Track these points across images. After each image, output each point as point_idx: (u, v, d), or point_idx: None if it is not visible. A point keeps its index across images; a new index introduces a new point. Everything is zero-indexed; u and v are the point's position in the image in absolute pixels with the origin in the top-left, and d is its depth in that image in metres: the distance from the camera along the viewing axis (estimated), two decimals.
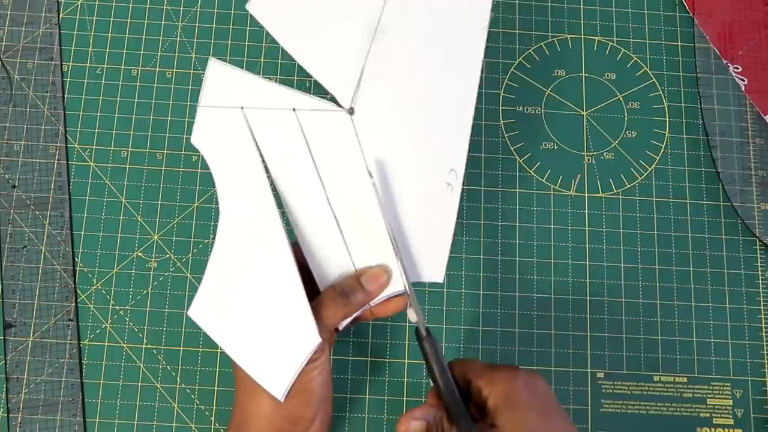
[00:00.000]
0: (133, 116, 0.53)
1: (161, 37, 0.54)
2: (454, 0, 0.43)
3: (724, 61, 0.55)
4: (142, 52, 0.54)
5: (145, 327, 0.49)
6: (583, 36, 0.56)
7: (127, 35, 0.54)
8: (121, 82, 0.53)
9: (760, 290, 0.51)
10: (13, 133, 0.52)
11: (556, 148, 0.53)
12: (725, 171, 0.53)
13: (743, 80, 0.55)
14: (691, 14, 0.56)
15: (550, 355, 0.49)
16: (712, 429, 0.49)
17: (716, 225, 0.52)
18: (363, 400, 0.48)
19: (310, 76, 0.43)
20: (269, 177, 0.42)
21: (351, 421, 0.48)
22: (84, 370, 0.48)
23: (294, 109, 0.42)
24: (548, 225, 0.52)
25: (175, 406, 0.48)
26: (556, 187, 0.53)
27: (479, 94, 0.54)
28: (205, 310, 0.42)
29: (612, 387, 0.49)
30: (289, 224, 0.42)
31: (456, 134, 0.43)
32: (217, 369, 0.48)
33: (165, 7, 0.55)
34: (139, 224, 0.51)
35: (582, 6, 0.56)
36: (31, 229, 0.50)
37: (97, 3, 0.55)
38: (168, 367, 0.49)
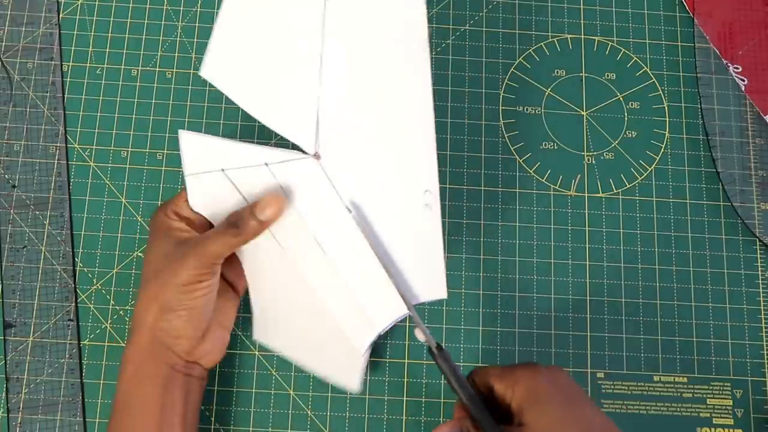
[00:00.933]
0: (133, 116, 0.53)
1: (161, 37, 0.54)
2: (388, 23, 0.44)
3: (724, 61, 0.55)
4: (142, 52, 0.54)
5: None
6: (583, 36, 0.56)
7: (127, 35, 0.54)
8: (121, 82, 0.53)
9: (760, 290, 0.51)
10: (13, 133, 0.52)
11: (556, 148, 0.53)
12: (725, 171, 0.53)
13: (743, 80, 0.54)
14: (691, 14, 0.56)
15: (550, 355, 0.49)
16: (712, 429, 0.49)
17: (716, 225, 0.52)
18: (363, 400, 0.48)
19: None
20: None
21: (351, 421, 0.48)
22: (84, 370, 0.48)
23: (266, 164, 0.44)
24: (548, 225, 0.52)
25: None
26: (556, 187, 0.53)
27: (479, 94, 0.54)
28: (266, 331, 0.46)
29: (612, 387, 0.49)
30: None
31: (422, 154, 0.44)
32: (217, 369, 0.48)
33: (165, 7, 0.55)
34: (139, 224, 0.51)
35: (582, 6, 0.56)
36: (31, 229, 0.50)
37: (97, 3, 0.55)
38: None
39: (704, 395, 0.49)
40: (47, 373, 0.48)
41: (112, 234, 0.51)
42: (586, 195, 0.52)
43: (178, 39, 0.54)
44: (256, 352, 0.48)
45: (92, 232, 0.51)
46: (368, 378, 0.49)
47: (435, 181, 0.44)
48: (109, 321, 0.49)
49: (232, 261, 0.45)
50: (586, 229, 0.52)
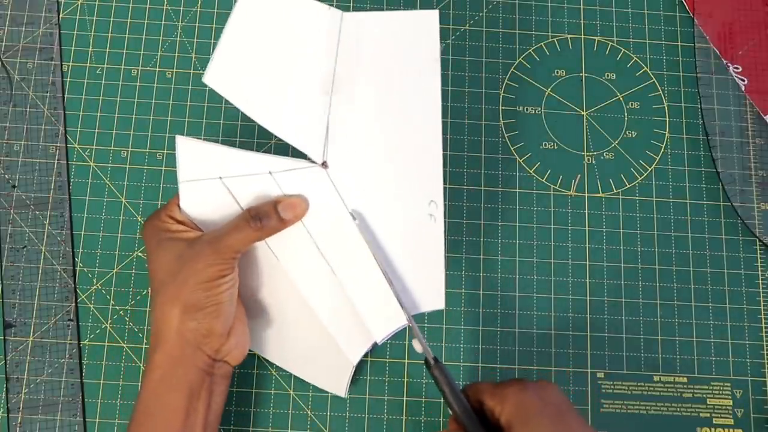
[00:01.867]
0: (133, 116, 0.53)
1: (161, 37, 0.54)
2: (403, 42, 0.45)
3: (724, 61, 0.55)
4: (142, 52, 0.54)
5: (145, 327, 0.49)
6: (583, 36, 0.56)
7: (127, 35, 0.54)
8: (121, 82, 0.53)
9: (760, 290, 0.51)
10: (13, 133, 0.52)
11: (556, 148, 0.53)
12: (725, 171, 0.53)
13: (743, 80, 0.54)
14: (691, 14, 0.56)
15: (550, 355, 0.49)
16: (712, 429, 0.49)
17: (716, 225, 0.52)
18: (363, 400, 0.48)
19: None
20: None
21: (351, 421, 0.48)
22: (84, 370, 0.48)
23: (271, 173, 0.44)
24: (548, 225, 0.52)
25: None
26: (556, 187, 0.53)
27: (479, 94, 0.54)
28: (254, 337, 0.46)
29: (612, 387, 0.49)
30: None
31: (428, 166, 0.44)
32: None
33: (165, 7, 0.55)
34: (139, 224, 0.51)
35: (582, 6, 0.56)
36: (31, 229, 0.50)
37: (97, 3, 0.55)
38: None
39: (704, 395, 0.49)
40: (47, 373, 0.48)
41: (112, 234, 0.51)
42: (586, 195, 0.52)
43: (178, 39, 0.54)
44: (256, 352, 0.48)
45: (92, 232, 0.51)
46: (368, 378, 0.49)
47: (440, 192, 0.44)
48: (109, 321, 0.49)
49: None
50: (586, 229, 0.52)
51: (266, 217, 0.42)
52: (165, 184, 0.52)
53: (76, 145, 0.52)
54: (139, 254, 0.50)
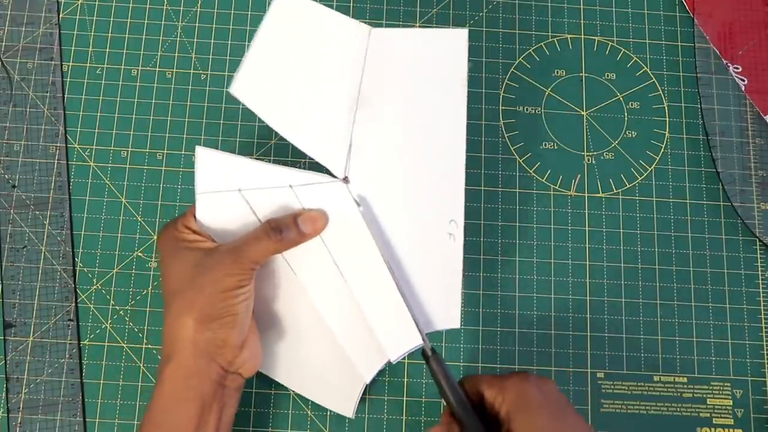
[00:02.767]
0: (133, 116, 0.53)
1: (161, 37, 0.54)
2: (431, 60, 0.45)
3: (724, 61, 0.55)
4: (142, 52, 0.54)
5: (145, 327, 0.49)
6: (583, 36, 0.56)
7: (127, 35, 0.54)
8: (121, 82, 0.53)
9: (760, 290, 0.51)
10: (13, 133, 0.52)
11: (556, 148, 0.53)
12: (725, 171, 0.53)
13: (743, 80, 0.54)
14: (691, 14, 0.56)
15: (550, 355, 0.49)
16: (712, 429, 0.49)
17: (716, 225, 0.52)
18: (363, 400, 0.48)
19: None
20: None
21: (351, 421, 0.48)
22: (84, 370, 0.48)
23: (291, 186, 0.44)
24: (548, 225, 0.52)
25: None
26: (556, 187, 0.53)
27: (479, 94, 0.54)
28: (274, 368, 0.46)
29: (612, 387, 0.49)
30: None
31: (451, 185, 0.44)
32: None
33: (165, 7, 0.55)
34: (139, 224, 0.51)
35: (582, 6, 0.56)
36: (31, 229, 0.50)
37: (97, 3, 0.55)
38: None
39: (704, 395, 0.49)
40: (47, 373, 0.48)
41: (112, 234, 0.51)
42: (586, 195, 0.52)
43: (178, 39, 0.54)
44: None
45: (92, 232, 0.51)
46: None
47: (461, 212, 0.44)
48: (109, 321, 0.49)
49: None
50: (586, 229, 0.52)
51: (286, 229, 0.42)
52: (165, 184, 0.52)
53: (76, 145, 0.52)
54: (139, 254, 0.50)
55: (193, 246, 0.42)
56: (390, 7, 0.55)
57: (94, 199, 0.51)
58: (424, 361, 0.43)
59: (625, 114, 0.54)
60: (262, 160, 0.45)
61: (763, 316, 0.51)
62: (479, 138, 0.53)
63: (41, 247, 0.50)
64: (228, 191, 0.44)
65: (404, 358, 0.49)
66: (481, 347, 0.49)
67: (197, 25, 0.55)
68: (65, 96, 0.53)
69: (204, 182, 0.44)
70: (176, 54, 0.54)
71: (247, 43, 0.54)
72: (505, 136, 0.53)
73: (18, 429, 0.47)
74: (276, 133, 0.44)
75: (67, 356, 0.48)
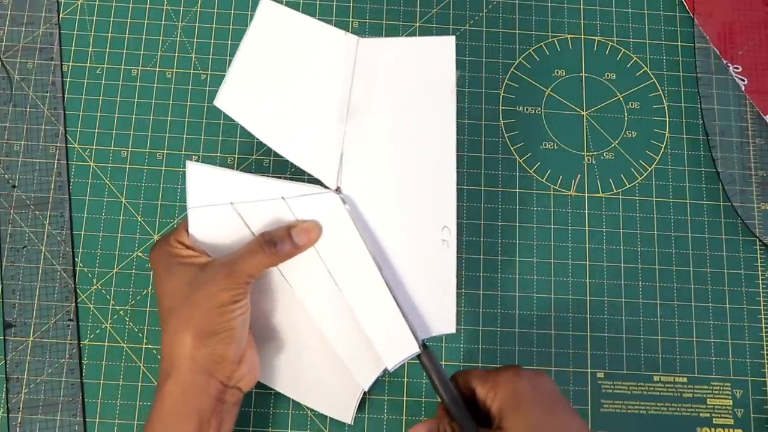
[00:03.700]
0: (133, 116, 0.53)
1: (161, 37, 0.54)
2: (419, 68, 0.45)
3: (724, 61, 0.55)
4: (142, 52, 0.54)
5: (145, 327, 0.49)
6: (583, 36, 0.56)
7: (127, 35, 0.54)
8: (121, 82, 0.53)
9: (760, 290, 0.51)
10: (13, 133, 0.52)
11: (556, 148, 0.53)
12: (725, 171, 0.53)
13: (743, 80, 0.54)
14: (691, 14, 0.56)
15: (550, 355, 0.49)
16: (712, 429, 0.49)
17: (716, 225, 0.52)
18: (363, 400, 0.48)
19: None
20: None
21: None
22: (84, 370, 0.48)
23: (283, 198, 0.44)
24: (548, 225, 0.52)
25: None
26: (556, 187, 0.53)
27: (479, 94, 0.54)
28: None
29: (612, 387, 0.49)
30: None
31: (443, 192, 0.44)
32: None
33: (165, 7, 0.55)
34: (139, 224, 0.51)
35: (582, 6, 0.56)
36: (31, 229, 0.50)
37: (97, 3, 0.55)
38: None
39: (704, 395, 0.49)
40: (47, 373, 0.48)
41: (112, 234, 0.51)
42: (586, 195, 0.52)
43: (178, 39, 0.54)
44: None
45: (92, 232, 0.51)
46: None
47: (453, 218, 0.44)
48: (109, 321, 0.49)
49: None
50: (586, 229, 0.52)
51: (280, 242, 0.42)
52: (165, 184, 0.52)
53: (76, 145, 0.52)
54: (139, 254, 0.50)
55: (186, 261, 0.42)
56: (390, 7, 0.55)
57: (94, 199, 0.51)
58: (425, 374, 0.43)
59: (625, 114, 0.54)
60: (253, 173, 0.45)
61: (763, 316, 0.51)
62: (479, 138, 0.53)
63: (41, 247, 0.50)
64: (220, 205, 0.44)
65: None
66: (481, 347, 0.49)
67: (197, 25, 0.55)
68: (65, 96, 0.53)
69: (195, 197, 0.44)
70: (176, 54, 0.54)
71: None
72: (505, 136, 0.53)
73: (18, 429, 0.47)
74: None
75: (67, 356, 0.48)
